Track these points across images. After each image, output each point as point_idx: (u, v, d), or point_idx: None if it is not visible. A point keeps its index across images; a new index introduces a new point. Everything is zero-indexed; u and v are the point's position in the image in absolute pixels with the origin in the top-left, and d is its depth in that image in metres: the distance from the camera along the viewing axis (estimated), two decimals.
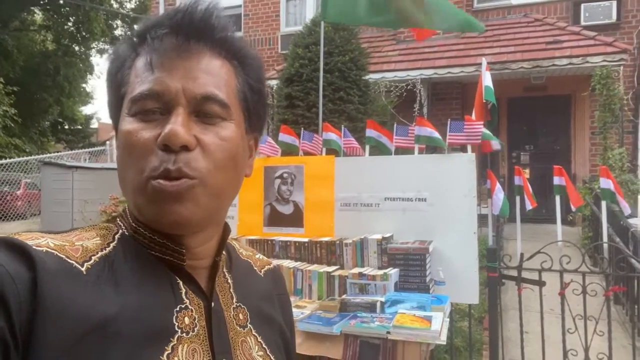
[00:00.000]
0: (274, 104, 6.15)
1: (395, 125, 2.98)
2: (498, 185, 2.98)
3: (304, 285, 2.59)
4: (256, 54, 0.68)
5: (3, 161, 10.07)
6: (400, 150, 3.04)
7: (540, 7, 8.51)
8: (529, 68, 7.14)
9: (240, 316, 0.68)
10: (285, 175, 2.94)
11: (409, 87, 7.42)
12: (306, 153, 3.25)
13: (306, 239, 2.75)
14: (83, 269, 0.55)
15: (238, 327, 0.66)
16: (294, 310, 2.36)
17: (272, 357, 0.69)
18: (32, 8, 18.80)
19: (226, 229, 0.69)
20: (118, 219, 0.65)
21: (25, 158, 11.40)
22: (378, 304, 2.28)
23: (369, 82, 6.11)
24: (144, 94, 0.58)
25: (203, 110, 0.59)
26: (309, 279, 2.58)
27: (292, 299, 2.53)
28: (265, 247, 2.81)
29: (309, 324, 2.17)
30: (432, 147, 3.05)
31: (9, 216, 10.37)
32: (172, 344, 0.56)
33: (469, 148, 2.79)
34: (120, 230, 0.63)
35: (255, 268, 0.78)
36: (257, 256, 0.82)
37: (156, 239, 0.61)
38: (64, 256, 0.54)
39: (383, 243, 2.59)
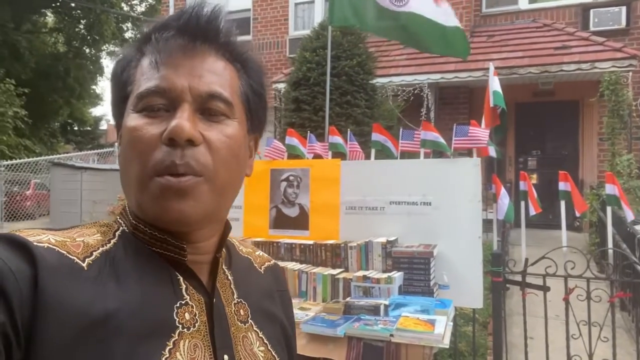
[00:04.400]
0: (281, 107, 6.19)
1: (401, 129, 3.00)
2: (503, 191, 2.99)
3: (308, 288, 2.61)
4: (259, 60, 0.70)
5: (13, 162, 10.19)
6: (406, 154, 3.06)
7: (549, 12, 8.49)
8: (537, 73, 7.13)
9: (241, 312, 0.68)
10: (291, 178, 2.96)
11: (416, 91, 7.43)
12: (316, 156, 3.27)
13: (311, 242, 2.76)
14: (84, 265, 0.55)
15: (239, 323, 0.67)
16: (298, 312, 2.38)
17: (273, 353, 0.69)
18: (44, 10, 19.03)
19: (227, 226, 0.69)
20: (118, 217, 0.66)
21: (34, 159, 11.51)
22: (382, 307, 2.29)
23: (376, 86, 6.12)
24: (150, 90, 0.59)
25: (208, 107, 0.61)
26: (314, 282, 2.60)
27: (296, 301, 2.54)
28: (270, 249, 2.83)
29: (312, 326, 2.18)
30: (438, 152, 3.06)
31: (18, 216, 10.47)
32: (173, 339, 0.57)
33: (474, 153, 2.80)
34: (121, 228, 0.63)
35: (256, 265, 0.79)
36: (257, 253, 0.82)
37: (156, 235, 0.61)
38: (65, 252, 0.55)
39: (388, 246, 2.60)
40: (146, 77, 0.60)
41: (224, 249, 0.70)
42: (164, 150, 0.57)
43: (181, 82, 0.59)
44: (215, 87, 0.61)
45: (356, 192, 2.81)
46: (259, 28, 9.88)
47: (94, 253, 0.57)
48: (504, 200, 2.92)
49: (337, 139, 3.07)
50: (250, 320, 0.69)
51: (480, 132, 2.88)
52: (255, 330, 0.69)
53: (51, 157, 11.82)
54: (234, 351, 0.64)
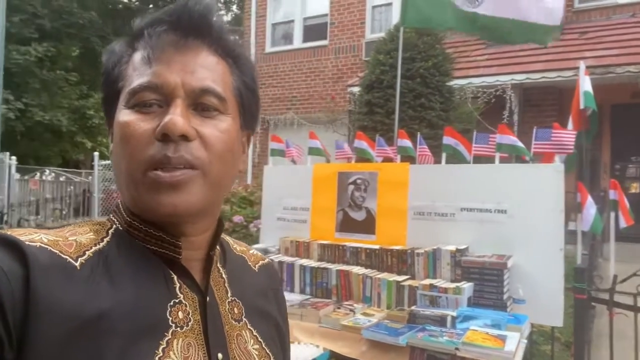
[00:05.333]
0: (355, 111, 6.16)
1: (475, 132, 2.85)
2: (589, 199, 2.73)
3: (372, 294, 2.56)
4: (249, 56, 0.69)
5: (110, 161, 11.12)
6: (483, 159, 2.90)
7: None
8: (636, 72, 6.49)
9: (235, 310, 0.68)
10: (358, 181, 2.93)
11: (498, 92, 7.07)
12: (386, 159, 3.21)
13: (377, 246, 2.72)
14: (77, 264, 0.54)
15: (233, 321, 0.66)
16: (361, 317, 2.34)
17: (267, 351, 0.69)
18: None
19: (220, 224, 0.68)
20: (111, 215, 0.65)
21: None
22: (449, 319, 2.19)
23: (452, 88, 5.90)
24: (142, 85, 0.59)
25: (201, 103, 0.60)
26: (378, 287, 2.55)
27: (359, 306, 2.51)
28: (336, 252, 2.82)
29: (374, 333, 2.14)
30: (519, 157, 2.87)
31: None
32: (167, 338, 0.57)
33: (557, 158, 2.59)
34: (114, 226, 0.63)
35: (250, 263, 0.78)
36: (251, 251, 0.81)
37: (152, 232, 0.60)
38: (57, 251, 0.54)
39: (457, 255, 2.49)
40: (138, 73, 0.60)
41: (217, 247, 0.69)
42: (157, 146, 0.57)
43: (174, 78, 0.59)
44: (208, 83, 0.60)
45: (425, 197, 2.72)
46: (336, 32, 9.95)
47: (87, 252, 0.57)
48: (590, 210, 2.67)
49: (406, 142, 2.99)
50: (244, 319, 0.68)
51: (566, 136, 2.65)
52: (250, 329, 0.68)
53: None
54: (228, 350, 0.63)
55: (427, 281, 2.45)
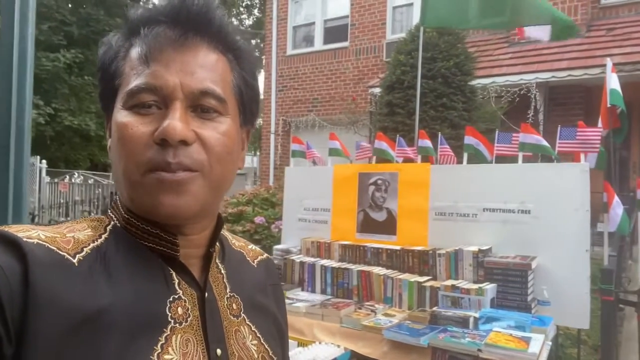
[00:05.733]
0: (376, 112, 6.14)
1: (497, 132, 2.82)
2: (616, 199, 2.67)
3: (394, 294, 2.56)
4: (251, 49, 0.67)
5: None
6: (507, 159, 2.86)
7: None
8: None
9: (234, 306, 0.67)
10: (379, 182, 2.93)
11: (522, 91, 6.94)
12: (407, 159, 3.20)
13: (398, 247, 2.71)
14: (75, 261, 0.54)
15: (232, 317, 0.66)
16: (382, 317, 2.34)
17: (266, 346, 0.69)
18: None
19: (219, 221, 0.68)
20: (109, 211, 0.65)
21: None
22: (471, 320, 2.17)
23: (475, 88, 5.83)
24: (140, 87, 0.57)
25: (200, 105, 0.59)
26: (400, 288, 2.54)
27: (380, 306, 2.51)
28: (357, 253, 2.83)
29: (396, 333, 2.14)
30: (547, 157, 2.83)
31: None
32: (165, 334, 0.57)
33: (582, 157, 2.54)
34: (112, 222, 0.62)
35: (248, 258, 0.78)
36: (249, 247, 0.81)
37: (149, 230, 0.60)
38: (55, 248, 0.54)
39: (480, 256, 2.46)
40: (136, 73, 0.58)
41: (217, 244, 0.69)
42: (156, 150, 0.56)
43: (173, 79, 0.57)
44: (207, 84, 0.59)
45: (447, 198, 2.70)
46: (357, 34, 9.94)
47: (85, 249, 0.57)
48: (617, 210, 2.60)
49: (427, 142, 2.97)
50: (242, 314, 0.68)
51: (591, 134, 2.60)
52: (248, 324, 0.68)
53: None
54: (226, 345, 0.63)
55: (449, 282, 2.43)
